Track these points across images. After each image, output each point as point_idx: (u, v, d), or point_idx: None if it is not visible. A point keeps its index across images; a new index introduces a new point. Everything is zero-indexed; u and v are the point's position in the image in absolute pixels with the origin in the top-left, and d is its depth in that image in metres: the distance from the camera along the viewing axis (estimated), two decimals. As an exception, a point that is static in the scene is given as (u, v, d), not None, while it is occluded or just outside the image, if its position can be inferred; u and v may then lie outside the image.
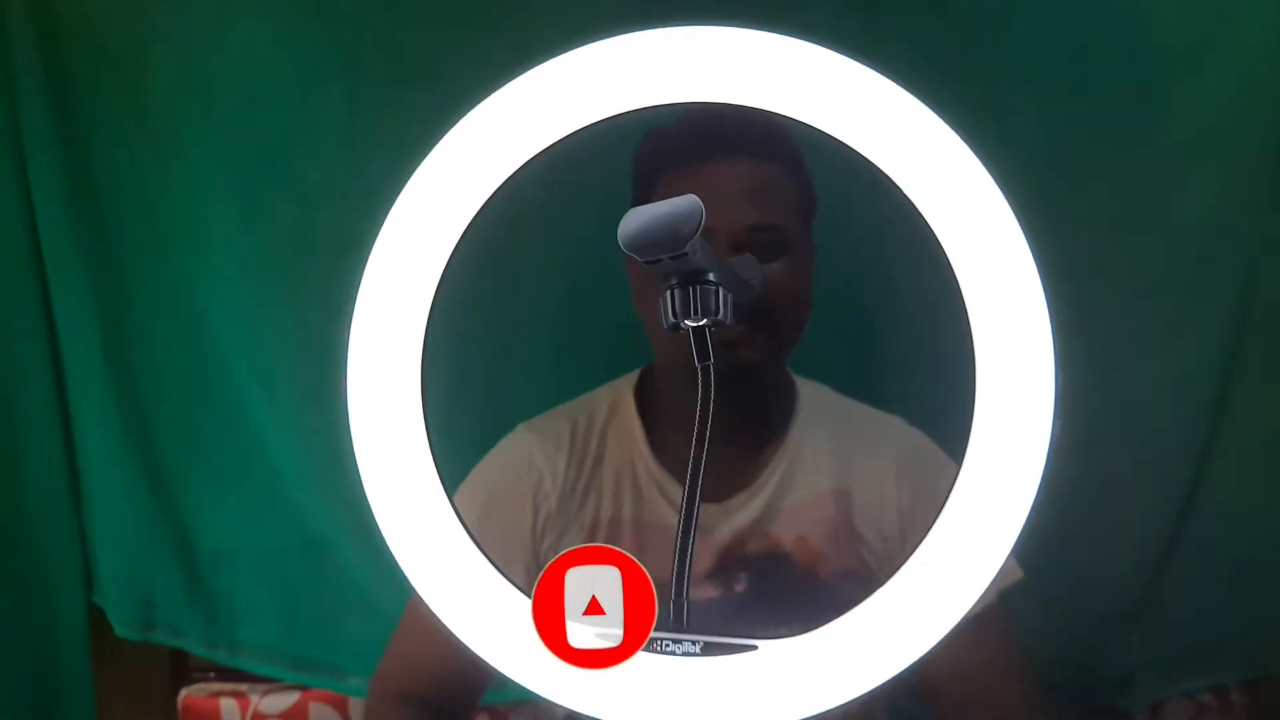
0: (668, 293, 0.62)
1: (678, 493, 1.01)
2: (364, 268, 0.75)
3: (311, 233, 1.32)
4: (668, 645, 0.61)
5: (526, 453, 1.05)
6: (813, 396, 1.07)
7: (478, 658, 0.64)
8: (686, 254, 0.58)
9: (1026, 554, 1.06)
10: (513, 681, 1.19)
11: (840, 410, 1.07)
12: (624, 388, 1.08)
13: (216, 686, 1.41)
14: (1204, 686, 1.34)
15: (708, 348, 0.62)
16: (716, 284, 0.62)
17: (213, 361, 1.34)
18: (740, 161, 0.94)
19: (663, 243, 0.58)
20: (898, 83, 0.66)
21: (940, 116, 0.65)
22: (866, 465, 1.04)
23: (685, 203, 0.58)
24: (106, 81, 1.31)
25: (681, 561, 0.60)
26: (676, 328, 0.63)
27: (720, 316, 0.62)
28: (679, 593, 0.61)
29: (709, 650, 0.61)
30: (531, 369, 1.31)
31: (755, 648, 0.61)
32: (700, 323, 0.62)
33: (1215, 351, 1.28)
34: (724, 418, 0.96)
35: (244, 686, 1.40)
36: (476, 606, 0.64)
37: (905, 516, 1.02)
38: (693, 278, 0.61)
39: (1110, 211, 1.26)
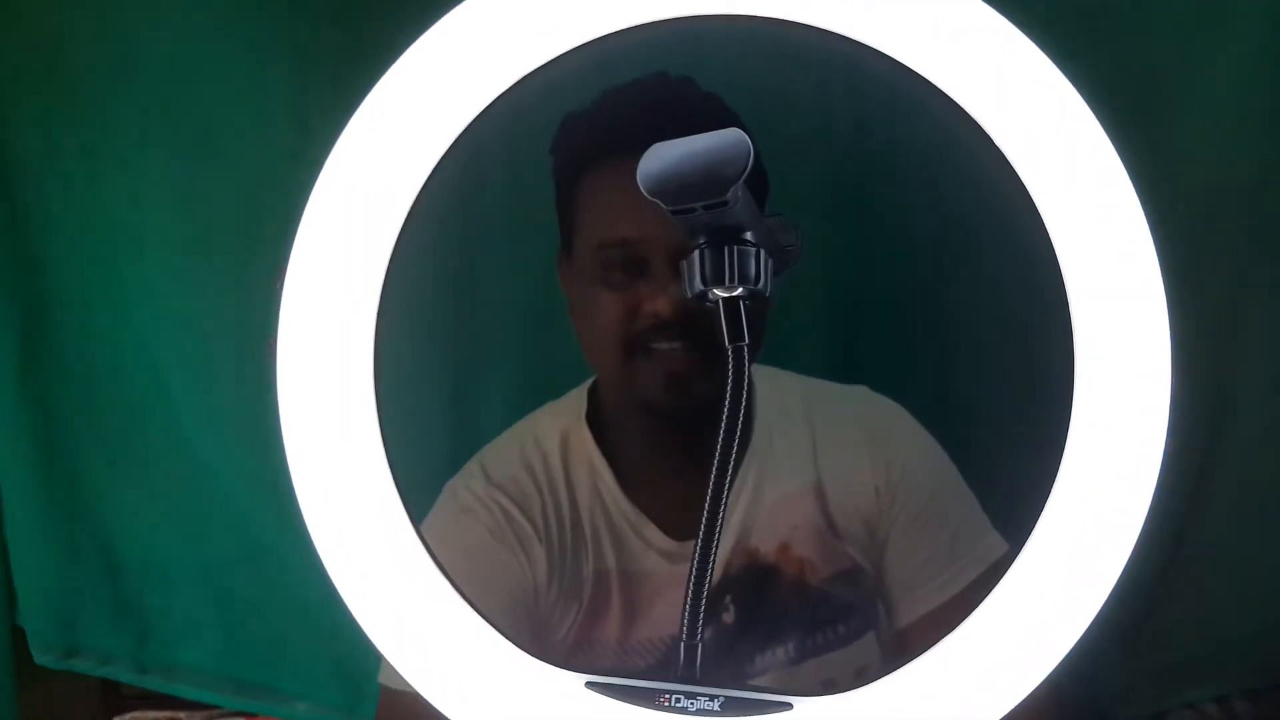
0: (695, 253, 0.49)
1: (654, 534, 0.91)
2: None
3: (255, 221, 1.17)
4: (679, 701, 0.47)
5: (498, 507, 0.92)
6: (771, 388, 0.95)
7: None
8: (727, 203, 0.45)
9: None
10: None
11: (802, 394, 0.96)
12: (571, 416, 0.96)
13: (152, 715, 1.32)
14: (1207, 696, 1.26)
15: (742, 325, 0.49)
16: (756, 244, 0.49)
17: (143, 359, 1.23)
18: None
19: (698, 187, 0.45)
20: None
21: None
22: (836, 445, 0.94)
23: (728, 137, 0.45)
24: (22, 54, 1.19)
25: (697, 598, 0.47)
26: (704, 297, 0.49)
27: (760, 286, 0.49)
28: (690, 634, 0.47)
29: (731, 709, 0.47)
30: (497, 376, 1.21)
31: (790, 706, 0.48)
32: (735, 292, 0.49)
33: (1218, 343, 1.20)
34: (684, 449, 0.85)
35: (182, 715, 1.31)
36: (465, 671, 0.50)
37: (882, 495, 0.92)
38: (727, 235, 0.48)
39: None
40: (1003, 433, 1.09)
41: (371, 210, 0.54)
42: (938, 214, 1.15)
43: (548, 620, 0.91)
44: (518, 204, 1.13)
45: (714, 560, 0.47)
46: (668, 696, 0.47)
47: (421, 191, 0.58)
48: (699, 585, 0.46)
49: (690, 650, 0.46)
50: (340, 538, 0.53)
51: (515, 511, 0.91)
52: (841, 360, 1.17)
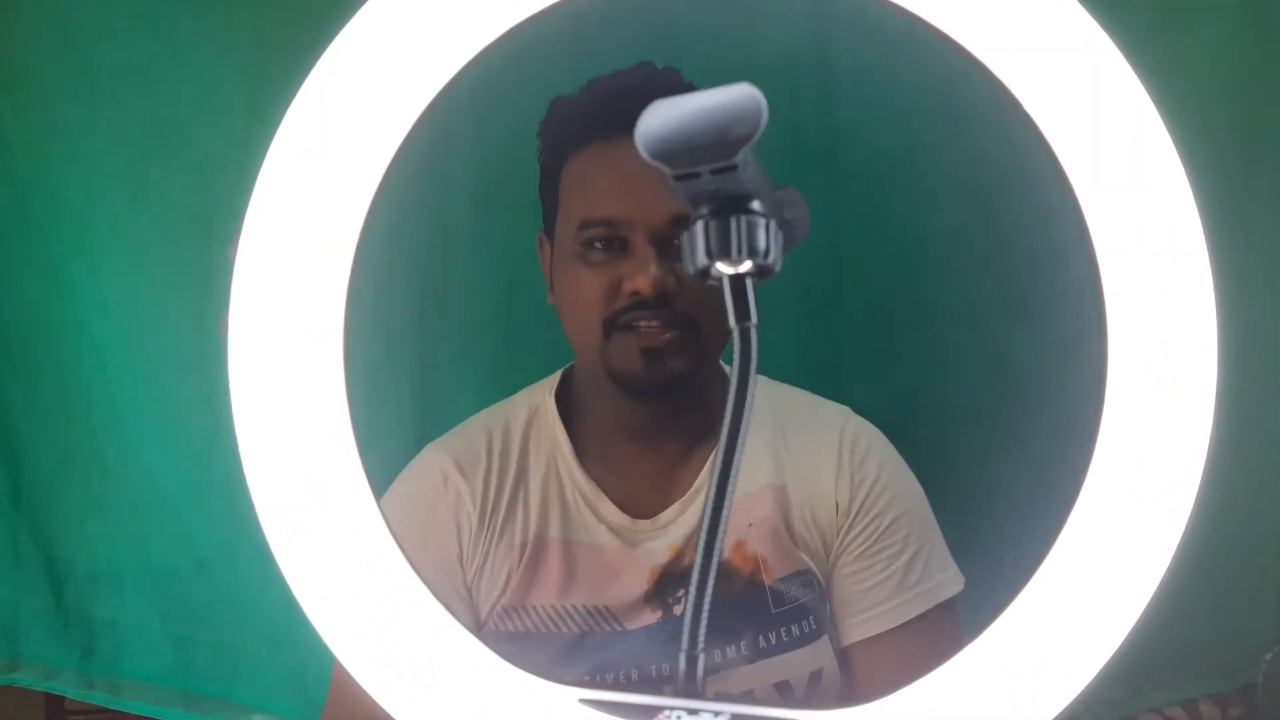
0: (699, 225, 0.43)
1: (606, 507, 0.91)
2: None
3: (211, 216, 1.15)
4: (680, 718, 0.42)
5: (439, 472, 0.92)
6: None
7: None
8: (736, 166, 0.39)
9: (980, 564, 0.95)
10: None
11: (779, 400, 0.95)
12: (544, 392, 0.95)
13: (98, 731, 1.29)
14: (1173, 700, 1.23)
15: (749, 304, 0.44)
16: (765, 214, 0.43)
17: (90, 360, 1.18)
18: None
19: (706, 148, 0.40)
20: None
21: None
22: (806, 455, 0.92)
23: (739, 92, 0.39)
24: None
25: (699, 603, 0.41)
26: (706, 273, 0.44)
27: (769, 260, 0.43)
28: (692, 642, 0.42)
29: (738, 727, 0.42)
30: (464, 370, 1.19)
31: (800, 728, 0.42)
32: (742, 267, 0.43)
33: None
34: (648, 430, 0.90)
35: (131, 730, 1.28)
36: (445, 687, 0.44)
37: (842, 513, 0.91)
38: (734, 204, 0.43)
39: None
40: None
41: (328, 195, 0.48)
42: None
43: (477, 583, 0.90)
44: (485, 195, 1.11)
45: (716, 561, 0.42)
46: (667, 714, 0.41)
47: (385, 179, 0.52)
48: (700, 589, 0.41)
49: (691, 661, 0.41)
50: (302, 545, 0.47)
51: (454, 474, 0.90)
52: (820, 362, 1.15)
